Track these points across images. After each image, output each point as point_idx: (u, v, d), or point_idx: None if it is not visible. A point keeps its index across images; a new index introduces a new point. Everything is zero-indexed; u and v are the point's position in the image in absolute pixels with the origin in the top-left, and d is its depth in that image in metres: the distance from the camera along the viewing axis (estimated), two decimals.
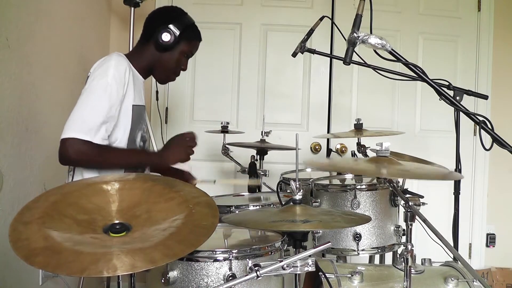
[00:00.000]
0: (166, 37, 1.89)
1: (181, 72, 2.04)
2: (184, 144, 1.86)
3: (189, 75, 3.35)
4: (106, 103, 1.73)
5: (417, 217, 1.41)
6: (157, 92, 2.99)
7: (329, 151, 3.37)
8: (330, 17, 2.96)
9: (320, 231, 2.07)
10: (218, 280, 1.41)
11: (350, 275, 1.48)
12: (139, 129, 1.95)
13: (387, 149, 1.53)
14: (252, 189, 2.44)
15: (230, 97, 3.41)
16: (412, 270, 1.44)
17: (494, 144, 1.37)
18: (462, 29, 3.46)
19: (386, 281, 1.52)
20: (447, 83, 1.76)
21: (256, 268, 1.17)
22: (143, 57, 1.95)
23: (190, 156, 1.87)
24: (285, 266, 1.20)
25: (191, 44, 1.99)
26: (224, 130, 2.64)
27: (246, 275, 1.18)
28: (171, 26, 1.90)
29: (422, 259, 1.63)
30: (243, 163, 2.63)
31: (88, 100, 1.75)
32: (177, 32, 1.90)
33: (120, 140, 1.85)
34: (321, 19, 2.10)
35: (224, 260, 1.41)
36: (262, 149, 2.68)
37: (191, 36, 1.98)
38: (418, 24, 3.44)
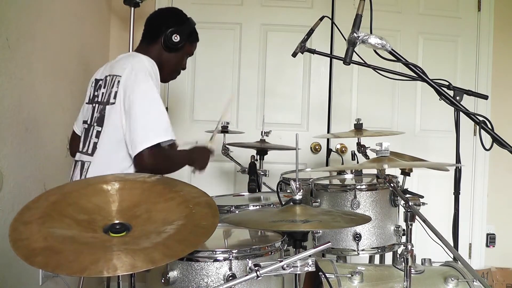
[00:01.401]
0: (176, 38, 1.98)
1: (181, 71, 2.13)
2: (208, 158, 2.04)
3: (189, 75, 3.35)
4: (161, 103, 1.79)
5: (417, 217, 1.41)
6: None
7: (329, 151, 3.37)
8: (330, 17, 2.96)
9: (320, 231, 2.07)
10: (218, 280, 1.41)
11: (350, 275, 1.48)
12: None
13: (387, 149, 1.53)
14: (252, 189, 2.44)
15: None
16: (412, 270, 1.45)
17: (494, 144, 1.38)
18: (462, 29, 3.46)
19: (386, 281, 1.53)
20: (447, 83, 1.77)
21: (256, 268, 1.17)
22: (150, 56, 1.97)
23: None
24: (285, 266, 1.20)
25: (193, 45, 2.10)
26: (224, 130, 2.64)
27: (246, 275, 1.18)
28: (181, 29, 1.99)
29: (422, 259, 1.63)
30: (243, 163, 2.63)
31: (146, 107, 1.77)
32: (186, 35, 2.01)
33: None
34: (321, 19, 2.10)
35: (224, 260, 1.41)
36: (262, 149, 2.68)
37: (194, 38, 2.09)
38: (418, 24, 3.44)
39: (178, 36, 1.97)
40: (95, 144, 1.83)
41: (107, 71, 1.92)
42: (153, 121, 1.75)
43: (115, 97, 1.80)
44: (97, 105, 1.89)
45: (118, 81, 1.81)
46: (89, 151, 1.85)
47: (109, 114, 1.81)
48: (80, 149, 1.92)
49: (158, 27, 1.99)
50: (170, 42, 1.97)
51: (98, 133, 1.83)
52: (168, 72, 2.06)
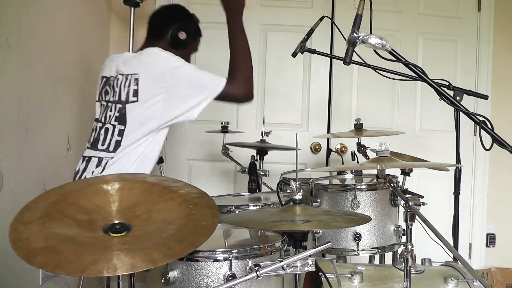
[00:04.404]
0: (182, 36, 1.99)
1: None
2: None
3: None
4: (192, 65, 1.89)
5: (417, 217, 1.41)
6: None
7: (329, 151, 3.37)
8: (330, 17, 2.96)
9: (320, 231, 2.07)
10: (218, 280, 1.41)
11: (350, 275, 1.48)
12: None
13: (387, 149, 1.53)
14: (252, 189, 2.44)
15: None
16: (412, 270, 1.44)
17: (494, 144, 1.37)
18: (462, 29, 3.46)
19: (386, 281, 1.52)
20: (447, 83, 1.77)
21: (256, 268, 1.17)
22: None
23: None
24: (285, 266, 1.20)
25: (198, 41, 2.13)
26: (224, 130, 2.64)
27: (246, 275, 1.18)
28: (187, 26, 2.02)
29: (422, 259, 1.63)
30: (243, 163, 2.63)
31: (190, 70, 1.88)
32: (192, 32, 2.04)
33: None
34: (321, 19, 2.11)
35: (224, 260, 1.41)
36: (262, 149, 2.68)
37: (199, 34, 2.12)
38: (418, 24, 3.44)
39: (184, 33, 1.99)
40: (118, 142, 1.83)
41: (118, 69, 1.89)
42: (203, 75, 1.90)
43: (135, 95, 1.80)
44: (112, 104, 1.87)
45: (136, 79, 1.80)
46: (111, 149, 1.84)
47: (131, 113, 1.81)
48: (96, 146, 1.89)
49: (163, 25, 1.98)
50: (176, 39, 1.97)
51: (121, 131, 1.83)
52: None
